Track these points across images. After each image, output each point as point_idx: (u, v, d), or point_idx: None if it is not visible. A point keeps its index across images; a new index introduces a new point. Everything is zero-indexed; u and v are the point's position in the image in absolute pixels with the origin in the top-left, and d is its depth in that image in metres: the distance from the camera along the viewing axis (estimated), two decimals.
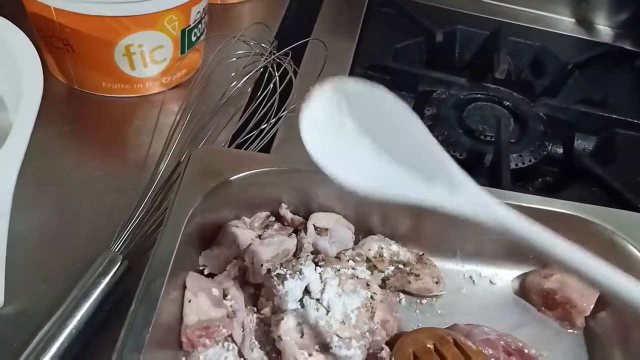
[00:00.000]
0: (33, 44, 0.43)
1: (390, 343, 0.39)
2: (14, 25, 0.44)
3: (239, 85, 0.56)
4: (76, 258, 0.43)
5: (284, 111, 0.55)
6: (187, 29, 0.56)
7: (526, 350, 0.38)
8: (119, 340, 0.32)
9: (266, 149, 0.54)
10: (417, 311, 0.43)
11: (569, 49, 0.73)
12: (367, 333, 0.39)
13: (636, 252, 0.40)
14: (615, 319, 0.42)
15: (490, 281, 0.45)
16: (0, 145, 0.39)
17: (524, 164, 0.58)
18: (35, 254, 0.43)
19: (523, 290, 0.44)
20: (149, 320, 0.33)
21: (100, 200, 0.48)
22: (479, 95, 0.65)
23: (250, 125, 0.53)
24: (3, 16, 0.45)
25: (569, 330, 0.42)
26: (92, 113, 0.56)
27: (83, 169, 0.50)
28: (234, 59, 0.58)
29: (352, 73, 0.64)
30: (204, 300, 0.37)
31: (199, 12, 0.57)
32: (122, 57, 0.54)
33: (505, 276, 0.45)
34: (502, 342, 0.39)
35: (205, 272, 0.41)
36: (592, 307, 0.42)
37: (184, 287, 0.38)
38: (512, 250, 0.45)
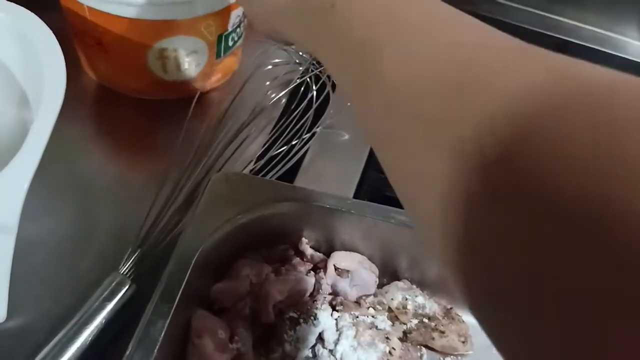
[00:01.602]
0: (67, 39, 0.41)
1: None
2: (39, 19, 0.42)
3: (274, 96, 0.53)
4: (85, 275, 0.41)
5: (317, 127, 0.52)
6: (224, 34, 0.53)
7: None
8: None
9: (297, 165, 0.51)
10: None
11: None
12: None
13: None
14: None
15: None
16: (20, 146, 0.37)
17: None
18: (43, 266, 0.42)
19: None
20: None
21: (119, 212, 0.46)
22: None
23: (282, 140, 0.51)
24: (39, 6, 0.43)
25: None
26: (121, 115, 0.55)
27: (106, 175, 0.49)
28: (270, 66, 0.55)
29: None
30: (208, 343, 0.35)
31: (239, 15, 0.54)
32: (156, 60, 0.52)
33: None
34: None
35: (215, 307, 0.38)
36: None
37: (189, 325, 0.36)
38: None
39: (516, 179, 0.17)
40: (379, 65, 0.24)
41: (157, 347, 0.31)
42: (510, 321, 0.18)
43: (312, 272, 0.41)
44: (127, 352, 0.31)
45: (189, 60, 0.53)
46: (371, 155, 0.54)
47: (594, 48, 0.70)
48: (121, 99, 0.55)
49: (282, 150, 0.50)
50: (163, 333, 0.32)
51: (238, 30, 0.55)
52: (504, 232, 0.17)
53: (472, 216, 0.19)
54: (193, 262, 0.35)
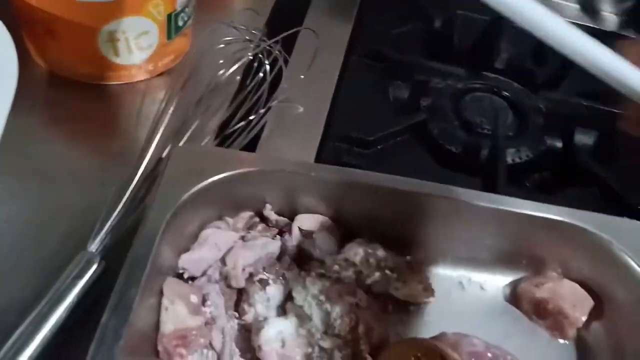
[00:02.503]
0: (15, 29, 0.41)
1: (375, 353, 0.38)
2: None
3: (227, 73, 0.54)
4: (54, 256, 0.41)
5: (273, 101, 0.54)
6: (173, 14, 0.54)
7: None
8: (88, 354, 0.31)
9: (255, 139, 0.52)
10: (404, 318, 0.41)
11: None
12: (350, 342, 0.38)
13: (635, 264, 0.39)
14: (609, 329, 0.41)
15: (481, 287, 0.44)
16: None
17: (521, 159, 0.57)
18: (9, 251, 0.42)
19: (514, 298, 0.43)
20: (120, 334, 0.31)
21: (82, 193, 0.46)
22: (477, 86, 0.63)
23: (239, 115, 0.51)
24: None
25: (559, 341, 0.41)
26: (76, 101, 0.54)
27: (65, 160, 0.49)
28: (222, 45, 0.56)
29: (346, 61, 0.62)
30: (181, 308, 0.36)
31: None
32: (106, 43, 0.52)
33: (497, 282, 0.44)
34: (489, 354, 0.37)
35: (185, 276, 0.39)
36: (584, 318, 0.40)
37: (161, 293, 0.37)
38: (505, 255, 0.43)
39: None
40: None
41: (131, 313, 0.32)
42: None
43: (278, 236, 0.42)
44: (103, 319, 0.32)
45: (140, 42, 0.53)
46: (327, 126, 0.55)
47: None
48: (75, 86, 0.54)
49: (240, 126, 0.51)
50: (137, 299, 0.33)
51: (187, 9, 0.55)
52: None
53: None
54: (160, 233, 0.36)
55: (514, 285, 0.43)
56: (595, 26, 0.75)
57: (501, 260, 0.43)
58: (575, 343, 0.41)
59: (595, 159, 0.56)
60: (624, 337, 0.40)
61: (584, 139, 0.60)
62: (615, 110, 0.61)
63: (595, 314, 0.41)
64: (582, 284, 0.42)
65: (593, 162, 0.56)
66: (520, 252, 0.43)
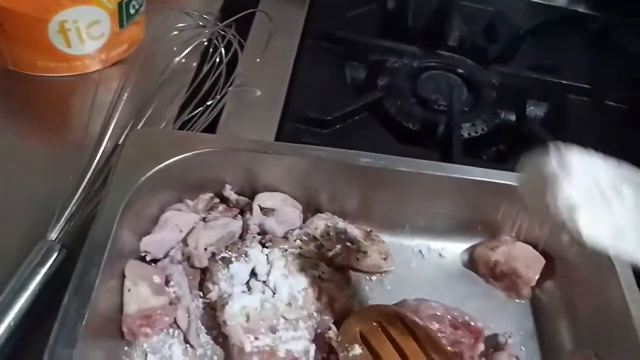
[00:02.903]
0: None
1: (339, 322, 0.39)
2: None
3: (182, 59, 0.54)
4: (13, 247, 0.41)
5: (230, 86, 0.54)
6: (124, 2, 0.53)
7: (472, 323, 0.39)
8: (51, 335, 0.31)
9: (214, 125, 0.52)
10: (367, 288, 0.42)
11: (523, 14, 0.72)
12: (314, 313, 0.39)
13: None
14: (561, 289, 0.43)
15: (439, 254, 0.45)
16: None
17: (476, 132, 0.58)
18: None
19: (471, 263, 0.44)
20: (82, 314, 0.31)
21: (38, 185, 0.46)
22: (432, 64, 0.64)
23: (196, 101, 0.51)
24: None
25: (516, 301, 0.43)
26: (29, 94, 0.54)
27: (20, 151, 0.48)
28: (176, 32, 0.56)
29: (301, 44, 0.62)
30: (144, 289, 0.36)
31: None
32: (57, 34, 0.51)
33: (454, 249, 0.45)
34: (448, 317, 0.39)
35: (148, 259, 0.39)
36: (537, 277, 0.42)
37: (124, 275, 0.37)
38: (461, 222, 0.45)
39: None
40: None
41: (93, 295, 0.32)
42: None
43: (239, 216, 0.43)
44: (64, 302, 0.32)
45: (91, 31, 0.53)
46: (286, 108, 0.56)
47: None
48: (28, 80, 0.54)
49: (198, 112, 0.51)
50: (97, 281, 0.33)
51: None
52: None
53: None
54: (118, 217, 0.36)
55: (470, 250, 0.45)
56: (544, 2, 0.77)
57: (458, 227, 0.45)
58: (530, 302, 0.43)
59: (546, 128, 0.58)
60: (576, 294, 0.41)
61: (535, 110, 0.62)
62: (563, 82, 0.63)
63: (547, 273, 0.43)
64: (534, 246, 0.43)
65: (544, 131, 0.58)
66: (476, 218, 0.45)
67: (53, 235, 0.40)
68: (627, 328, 0.36)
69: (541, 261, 0.42)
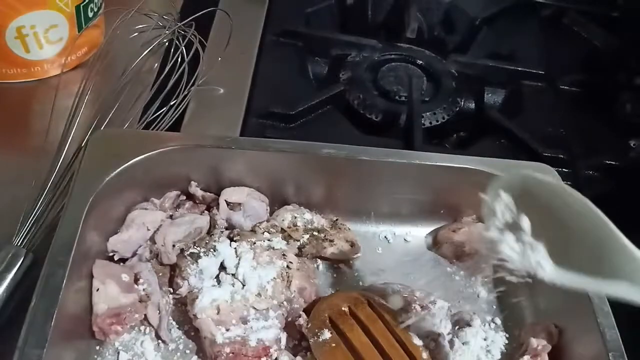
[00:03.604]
0: None
1: (309, 309, 0.39)
2: None
3: (142, 61, 0.54)
4: None
5: (192, 85, 0.54)
6: (81, 5, 0.53)
7: (437, 303, 0.40)
8: (20, 337, 0.31)
9: (178, 124, 0.53)
10: (335, 275, 0.43)
11: (478, 4, 0.74)
12: (284, 302, 0.39)
13: None
14: None
15: (404, 239, 0.46)
16: None
17: (437, 121, 0.60)
18: None
19: (436, 245, 0.46)
20: (51, 314, 0.32)
21: (1, 191, 0.45)
22: (392, 56, 0.66)
23: (159, 101, 0.52)
24: None
25: (479, 279, 0.44)
26: None
27: None
28: (136, 33, 0.56)
29: (262, 41, 0.63)
30: (112, 287, 0.37)
31: None
32: (15, 40, 0.51)
33: (419, 233, 0.46)
34: (415, 298, 0.40)
35: (116, 258, 0.40)
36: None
37: (92, 276, 0.37)
38: (424, 207, 0.46)
39: None
40: None
41: (60, 295, 0.33)
42: None
43: (206, 212, 0.43)
44: (32, 304, 0.32)
45: (49, 35, 0.52)
46: (249, 105, 0.56)
47: None
48: None
49: (162, 111, 0.51)
50: (64, 282, 0.33)
51: (96, 0, 0.55)
52: None
53: None
54: (83, 217, 0.36)
55: (434, 233, 0.46)
56: None
57: (421, 212, 0.46)
58: (493, 280, 0.44)
59: (504, 114, 0.60)
60: None
61: (493, 97, 0.63)
62: (519, 69, 0.65)
63: None
64: None
65: (502, 117, 0.60)
66: (438, 202, 0.46)
67: (19, 241, 0.40)
68: (582, 297, 0.37)
69: None
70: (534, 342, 0.38)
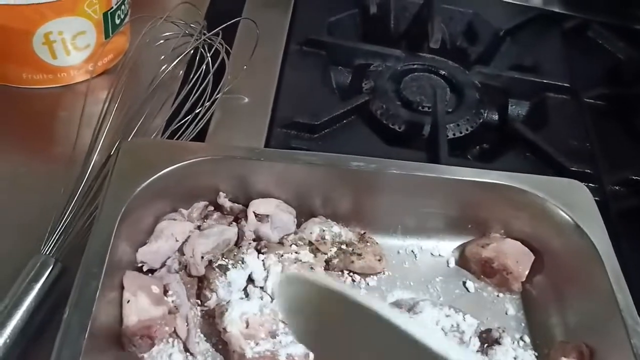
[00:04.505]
0: None
1: None
2: None
3: (169, 68, 0.54)
4: (6, 263, 0.41)
5: (218, 93, 0.54)
6: (109, 12, 0.53)
7: (466, 320, 0.39)
8: (54, 349, 0.31)
9: (203, 133, 0.53)
10: (363, 290, 0.43)
11: (501, 15, 0.74)
12: None
13: (567, 217, 0.42)
14: (550, 280, 0.44)
15: (431, 254, 0.46)
16: None
17: (461, 132, 0.59)
18: None
19: (463, 260, 0.45)
20: (84, 327, 0.32)
21: (28, 199, 0.46)
22: (415, 66, 0.65)
23: (184, 110, 0.52)
24: None
25: (507, 296, 0.44)
26: (15, 106, 0.53)
27: (7, 165, 0.48)
28: (162, 41, 0.56)
29: (286, 50, 0.63)
30: (143, 299, 0.36)
31: None
32: (42, 46, 0.51)
33: (446, 248, 0.46)
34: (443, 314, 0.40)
35: (145, 269, 0.40)
36: (527, 272, 0.43)
37: (122, 287, 0.37)
38: (451, 221, 0.46)
39: None
40: None
41: (94, 307, 0.33)
42: None
43: (234, 223, 0.43)
44: (65, 315, 0.32)
45: (77, 42, 0.53)
46: (274, 114, 0.56)
47: None
48: (13, 92, 0.53)
49: (187, 120, 0.51)
50: (98, 293, 0.33)
51: (123, 7, 0.55)
52: None
53: None
54: (114, 229, 0.36)
55: (461, 248, 0.46)
56: (521, 3, 0.78)
57: (449, 227, 0.46)
58: (522, 296, 0.44)
59: (528, 126, 0.60)
60: (564, 285, 0.43)
61: (517, 109, 0.63)
62: (543, 81, 0.65)
63: (537, 267, 0.44)
64: (523, 241, 0.45)
65: (526, 129, 0.59)
66: (466, 217, 0.45)
67: (47, 250, 0.40)
68: (615, 316, 0.37)
69: (530, 256, 0.44)
70: None
